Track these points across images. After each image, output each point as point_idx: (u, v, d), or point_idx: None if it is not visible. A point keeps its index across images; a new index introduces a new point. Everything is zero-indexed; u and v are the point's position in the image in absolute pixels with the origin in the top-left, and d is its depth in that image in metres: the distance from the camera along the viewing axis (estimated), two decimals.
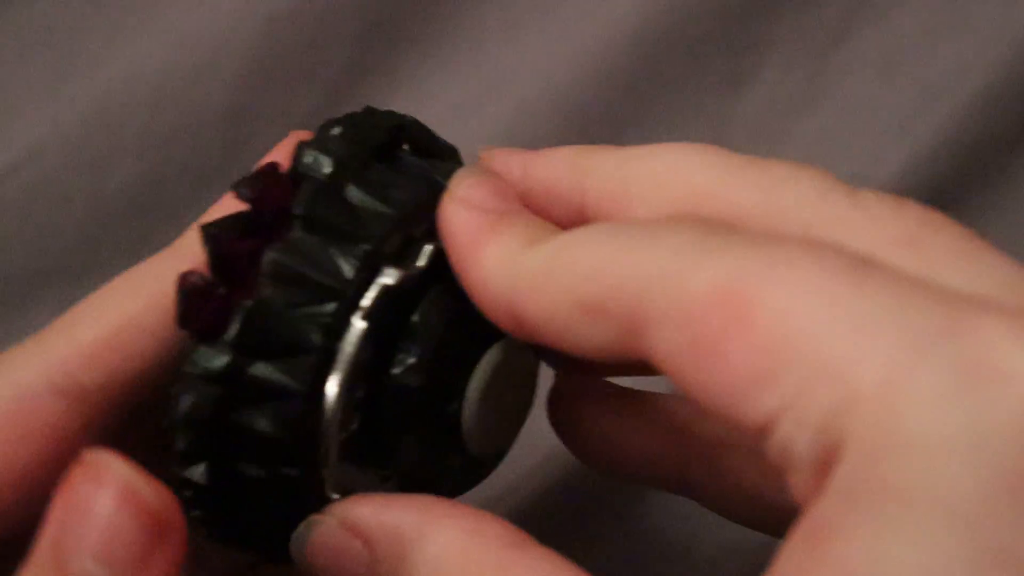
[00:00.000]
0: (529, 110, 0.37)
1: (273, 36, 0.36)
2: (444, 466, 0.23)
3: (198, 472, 0.21)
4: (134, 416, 0.23)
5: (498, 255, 0.21)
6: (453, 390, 0.22)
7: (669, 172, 0.21)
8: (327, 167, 0.22)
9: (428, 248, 0.22)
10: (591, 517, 0.35)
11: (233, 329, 0.21)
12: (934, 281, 0.17)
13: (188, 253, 0.23)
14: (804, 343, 0.16)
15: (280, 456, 0.21)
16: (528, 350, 0.24)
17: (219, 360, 0.21)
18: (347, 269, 0.21)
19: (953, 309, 0.16)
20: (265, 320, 0.21)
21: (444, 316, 0.22)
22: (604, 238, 0.19)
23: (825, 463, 0.16)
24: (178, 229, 0.36)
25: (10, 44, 0.36)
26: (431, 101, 0.38)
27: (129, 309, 0.22)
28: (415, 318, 0.22)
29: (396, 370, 0.22)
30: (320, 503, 0.22)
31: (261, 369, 0.21)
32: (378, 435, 0.22)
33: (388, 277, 0.21)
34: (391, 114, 0.24)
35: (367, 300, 0.21)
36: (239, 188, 0.22)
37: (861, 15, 0.39)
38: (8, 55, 0.36)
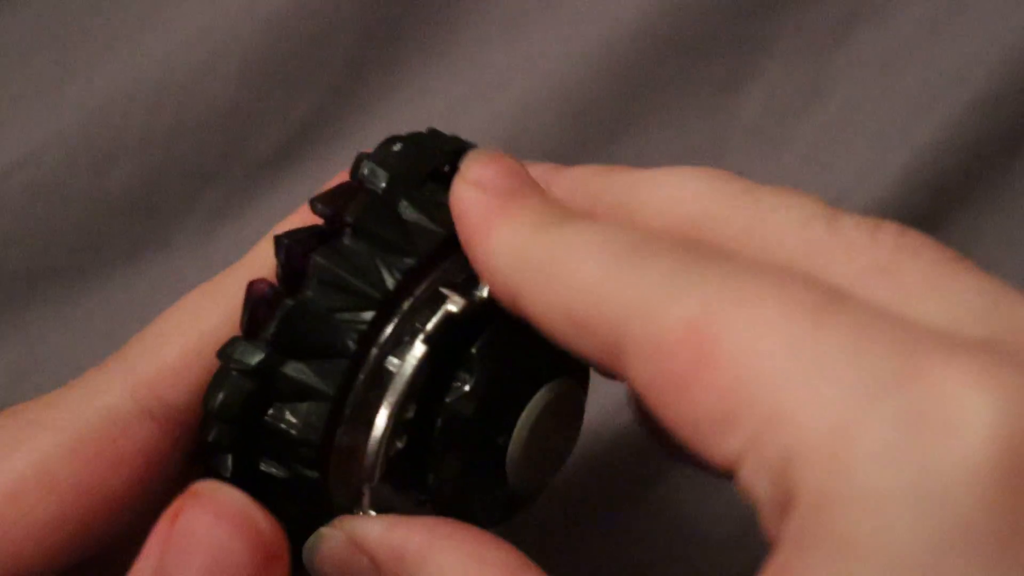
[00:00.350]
0: (529, 109, 0.37)
1: (273, 36, 0.36)
2: (483, 497, 0.23)
3: (223, 464, 0.22)
4: None
5: (506, 239, 0.21)
6: (502, 424, 0.23)
7: (670, 200, 0.22)
8: (383, 180, 0.22)
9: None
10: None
11: (271, 327, 0.21)
12: (902, 313, 0.17)
13: (258, 266, 0.23)
14: (761, 388, 0.17)
15: (302, 457, 0.22)
16: (579, 389, 0.24)
17: (255, 356, 0.21)
18: (389, 280, 0.21)
19: (908, 352, 0.16)
20: (303, 320, 0.21)
21: (502, 350, 0.22)
22: (598, 250, 0.20)
23: (784, 508, 0.16)
24: (178, 229, 0.36)
25: (11, 44, 0.36)
26: (431, 100, 0.38)
27: (206, 325, 0.23)
28: (474, 349, 0.22)
29: (449, 398, 0.22)
30: (339, 513, 0.22)
31: (294, 368, 0.21)
32: (421, 458, 0.22)
33: (452, 305, 0.22)
34: (455, 139, 0.24)
35: (431, 325, 0.22)
36: (315, 203, 0.22)
37: (861, 15, 0.39)
38: (9, 55, 0.36)
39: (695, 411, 0.17)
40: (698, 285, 0.18)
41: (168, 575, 0.19)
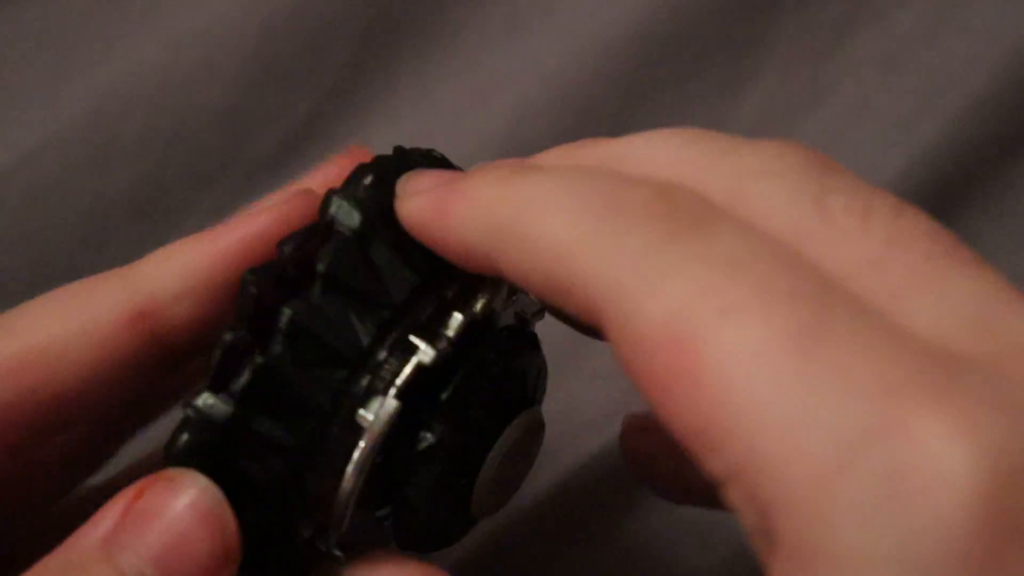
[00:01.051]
0: (529, 110, 0.37)
1: (273, 36, 0.36)
2: (443, 521, 0.23)
3: None
4: (43, 435, 0.22)
5: (466, 211, 0.20)
6: (470, 464, 0.22)
7: (647, 169, 0.20)
8: (354, 222, 0.21)
9: (458, 318, 0.22)
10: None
11: (241, 382, 0.20)
12: (891, 318, 0.17)
13: (137, 283, 0.22)
14: (742, 422, 0.16)
15: (271, 506, 0.21)
16: (540, 413, 0.24)
17: (222, 410, 0.20)
18: (364, 337, 0.21)
19: (893, 395, 0.16)
20: (275, 377, 0.20)
21: (471, 394, 0.22)
22: (568, 204, 0.19)
23: (769, 540, 0.16)
24: (178, 229, 0.36)
25: (10, 44, 0.36)
26: (431, 101, 0.38)
27: (57, 332, 0.22)
28: (444, 396, 0.22)
29: (420, 446, 0.22)
30: (305, 546, 0.22)
31: (264, 424, 0.21)
32: (385, 485, 0.22)
33: (424, 356, 0.21)
34: (425, 153, 0.23)
35: (401, 378, 0.21)
36: (283, 246, 0.21)
37: (861, 15, 0.39)
38: (8, 55, 0.36)
39: (677, 422, 0.17)
40: (676, 276, 0.17)
41: (118, 545, 0.19)
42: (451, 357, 0.21)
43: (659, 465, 0.26)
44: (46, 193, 0.35)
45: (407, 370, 0.21)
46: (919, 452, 0.15)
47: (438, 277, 0.22)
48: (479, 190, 0.20)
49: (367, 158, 0.23)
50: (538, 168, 0.20)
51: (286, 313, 0.21)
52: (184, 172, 0.36)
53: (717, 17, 0.38)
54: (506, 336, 0.23)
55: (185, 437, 0.20)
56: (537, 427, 0.24)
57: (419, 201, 0.21)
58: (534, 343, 0.24)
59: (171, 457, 0.20)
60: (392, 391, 0.21)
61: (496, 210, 0.19)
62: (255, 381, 0.20)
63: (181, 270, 0.22)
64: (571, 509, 0.34)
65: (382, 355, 0.21)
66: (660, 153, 0.21)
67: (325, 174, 0.25)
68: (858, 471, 0.15)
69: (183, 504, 0.19)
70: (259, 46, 0.36)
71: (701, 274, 0.17)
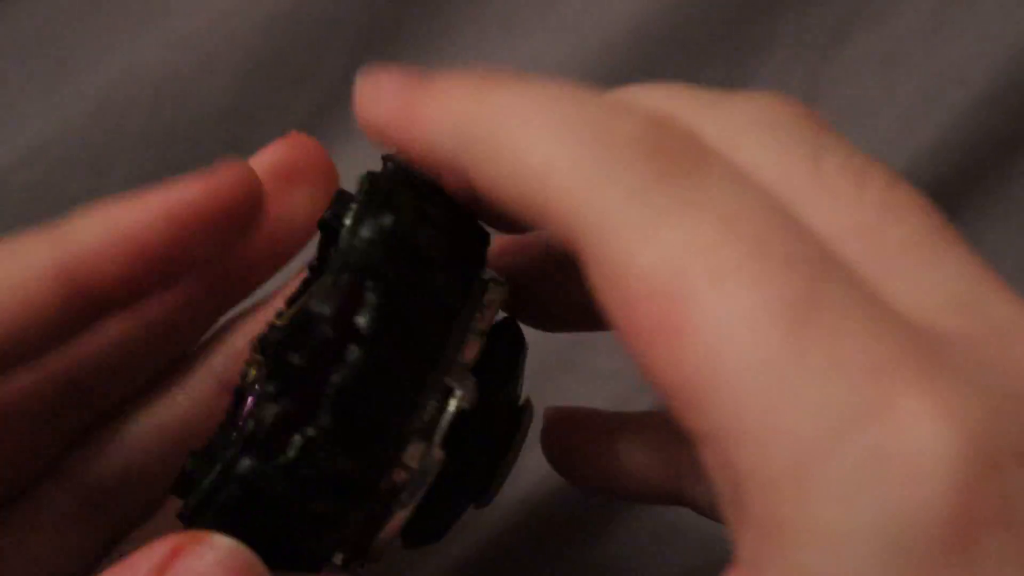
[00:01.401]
0: None
1: (273, 36, 0.36)
2: (452, 520, 0.24)
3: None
4: None
5: (440, 112, 0.19)
6: (487, 477, 0.23)
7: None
8: (383, 281, 0.20)
9: (475, 347, 0.21)
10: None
11: (290, 455, 0.20)
12: (878, 288, 0.16)
13: (63, 239, 0.21)
14: (727, 389, 0.16)
15: (306, 549, 0.21)
16: (532, 406, 0.24)
17: (273, 485, 0.20)
18: (408, 393, 0.20)
19: (881, 376, 0.15)
20: (325, 449, 0.20)
21: (491, 420, 0.22)
22: (553, 126, 0.18)
23: (741, 512, 0.16)
24: None
25: (10, 44, 0.36)
26: None
27: None
28: (469, 429, 0.21)
29: (446, 474, 0.21)
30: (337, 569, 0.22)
31: (310, 489, 0.20)
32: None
33: (462, 400, 0.20)
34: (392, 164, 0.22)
35: (444, 426, 0.20)
36: (316, 302, 0.20)
37: (861, 15, 0.39)
38: (8, 55, 0.36)
39: (657, 369, 0.16)
40: (667, 224, 0.16)
41: None
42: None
43: (583, 458, 0.26)
44: (47, 192, 0.35)
45: (448, 416, 0.20)
46: (903, 434, 0.15)
47: (456, 291, 0.21)
48: (453, 92, 0.19)
49: (307, 143, 0.22)
50: (521, 76, 0.19)
51: (332, 381, 0.20)
52: (184, 171, 0.36)
53: (717, 17, 0.38)
54: (506, 341, 0.23)
55: (225, 500, 0.20)
56: (531, 415, 0.24)
57: (380, 103, 0.20)
58: (520, 336, 0.24)
59: (202, 519, 0.20)
60: (437, 440, 0.20)
61: (472, 116, 0.18)
62: (306, 455, 0.20)
63: (107, 228, 0.22)
64: (571, 509, 0.34)
65: (423, 403, 0.21)
66: (647, 101, 0.20)
67: (266, 160, 0.25)
68: (841, 451, 0.15)
69: (210, 556, 0.18)
70: (260, 45, 0.36)
71: (694, 225, 0.16)
